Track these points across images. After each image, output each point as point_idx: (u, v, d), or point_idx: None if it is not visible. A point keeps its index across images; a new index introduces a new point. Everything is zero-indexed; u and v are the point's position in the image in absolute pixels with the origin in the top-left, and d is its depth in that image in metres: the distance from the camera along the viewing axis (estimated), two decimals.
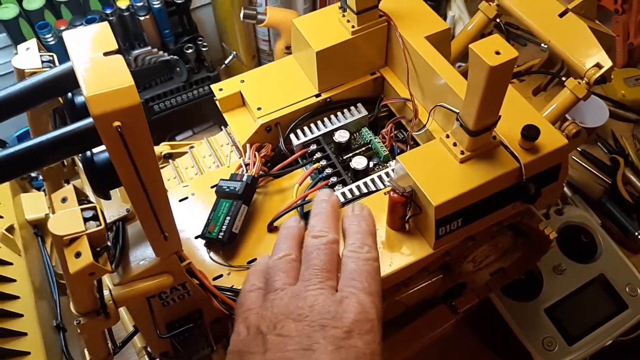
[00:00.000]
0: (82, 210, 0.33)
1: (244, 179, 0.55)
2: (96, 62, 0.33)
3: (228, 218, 0.53)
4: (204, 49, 1.00)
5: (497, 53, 0.39)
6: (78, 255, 0.32)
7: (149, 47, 0.96)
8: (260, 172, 0.57)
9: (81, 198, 0.36)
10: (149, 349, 0.56)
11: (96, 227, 0.33)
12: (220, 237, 0.52)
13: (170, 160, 0.68)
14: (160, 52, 0.96)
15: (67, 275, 0.33)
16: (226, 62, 1.06)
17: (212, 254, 0.53)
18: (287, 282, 0.37)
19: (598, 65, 0.55)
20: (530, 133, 0.46)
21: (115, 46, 0.35)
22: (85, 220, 0.33)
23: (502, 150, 0.47)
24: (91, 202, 0.35)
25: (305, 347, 0.34)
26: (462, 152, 0.46)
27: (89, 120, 0.35)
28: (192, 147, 0.68)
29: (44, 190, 0.72)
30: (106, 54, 0.34)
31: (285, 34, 0.96)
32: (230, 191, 0.54)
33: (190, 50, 0.99)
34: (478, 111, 0.42)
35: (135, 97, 0.32)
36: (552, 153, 0.47)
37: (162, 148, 0.73)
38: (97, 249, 0.33)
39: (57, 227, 0.32)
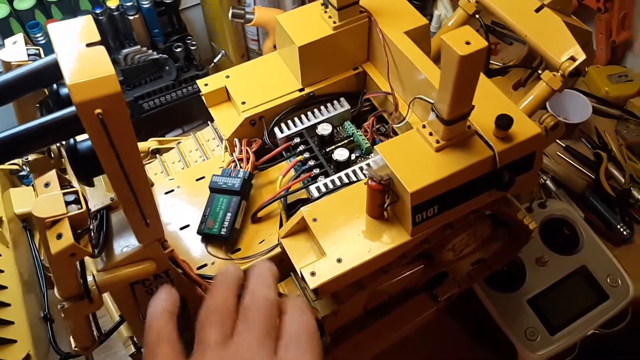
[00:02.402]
0: (64, 194, 0.34)
1: (241, 174, 0.56)
2: (79, 52, 0.34)
3: (229, 214, 0.54)
4: (192, 48, 1.01)
5: (467, 43, 0.40)
6: (59, 236, 0.33)
7: (139, 46, 0.97)
8: None
9: (64, 184, 0.37)
10: (134, 339, 0.57)
11: (77, 210, 0.34)
12: (222, 233, 0.53)
13: (157, 155, 0.69)
14: (150, 51, 0.97)
15: (49, 257, 0.34)
16: (215, 60, 1.07)
17: (209, 248, 0.54)
18: (222, 337, 0.35)
19: (572, 58, 0.56)
20: (503, 122, 0.47)
21: (97, 37, 0.36)
22: (67, 203, 0.34)
23: (476, 139, 0.48)
24: (73, 187, 0.36)
25: None
26: (438, 142, 0.47)
27: (72, 108, 0.36)
28: (179, 143, 0.69)
29: (33, 186, 0.73)
30: (89, 45, 0.35)
31: (274, 33, 0.97)
32: (228, 187, 0.55)
33: (179, 49, 1.00)
34: (451, 100, 0.43)
35: (116, 85, 0.33)
36: (526, 142, 0.49)
37: (150, 143, 0.74)
38: (78, 231, 0.34)
39: (39, 209, 0.34)
